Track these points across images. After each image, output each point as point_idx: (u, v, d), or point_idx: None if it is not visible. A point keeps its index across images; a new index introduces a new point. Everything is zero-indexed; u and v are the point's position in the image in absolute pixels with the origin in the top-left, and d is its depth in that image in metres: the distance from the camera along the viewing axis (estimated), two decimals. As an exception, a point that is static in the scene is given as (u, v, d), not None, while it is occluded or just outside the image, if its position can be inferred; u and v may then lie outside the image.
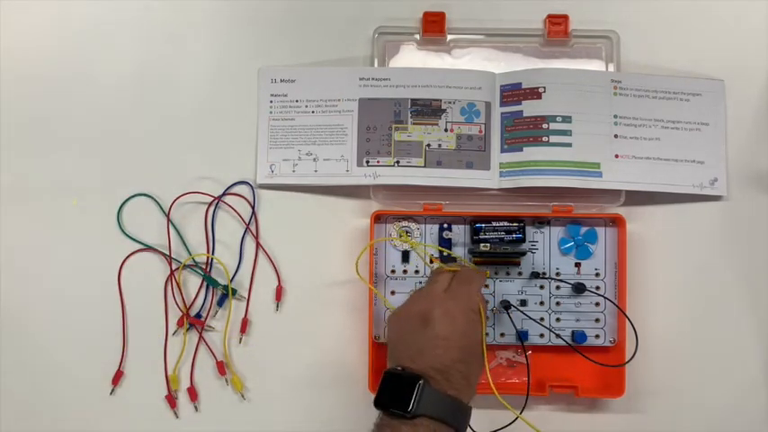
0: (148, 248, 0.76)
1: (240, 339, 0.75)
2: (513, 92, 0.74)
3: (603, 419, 0.74)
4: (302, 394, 0.74)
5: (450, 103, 0.74)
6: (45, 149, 0.77)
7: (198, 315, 0.75)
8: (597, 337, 0.73)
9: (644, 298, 0.74)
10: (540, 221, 0.74)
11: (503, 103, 0.75)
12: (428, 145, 0.74)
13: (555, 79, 0.74)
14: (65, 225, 0.76)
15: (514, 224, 0.72)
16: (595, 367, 0.70)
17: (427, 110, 0.75)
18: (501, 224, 0.72)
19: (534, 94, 0.74)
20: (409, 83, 0.75)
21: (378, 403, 0.59)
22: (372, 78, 0.75)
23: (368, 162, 0.74)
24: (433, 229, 0.74)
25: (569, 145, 0.73)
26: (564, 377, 0.74)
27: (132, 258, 0.76)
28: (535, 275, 0.73)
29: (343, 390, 0.74)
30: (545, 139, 0.73)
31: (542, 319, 0.73)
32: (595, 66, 0.76)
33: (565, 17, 0.75)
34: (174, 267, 0.75)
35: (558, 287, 0.73)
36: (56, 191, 0.76)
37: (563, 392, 0.73)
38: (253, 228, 0.76)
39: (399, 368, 0.60)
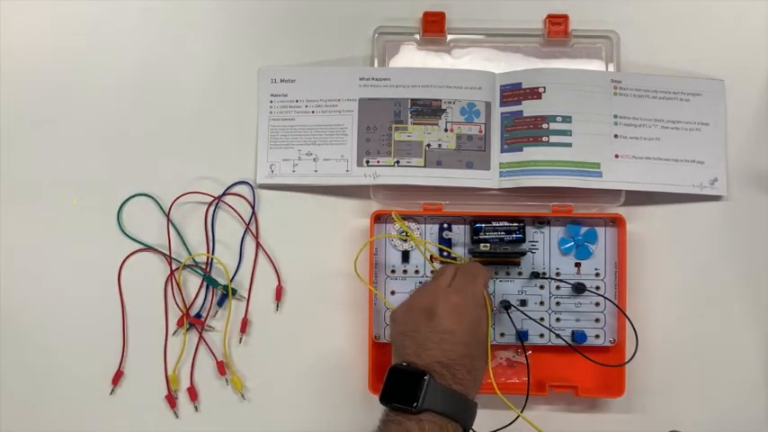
0: (148, 248, 0.76)
1: (240, 339, 0.75)
2: (513, 92, 0.74)
3: (603, 419, 0.74)
4: (302, 394, 0.74)
5: (450, 103, 0.74)
6: (45, 149, 0.77)
7: (198, 315, 0.75)
8: (597, 337, 0.73)
9: (644, 298, 0.74)
10: (540, 221, 0.74)
11: (503, 103, 0.75)
12: (428, 145, 0.74)
13: (555, 79, 0.74)
14: (65, 225, 0.76)
15: (514, 224, 0.72)
16: (595, 367, 0.70)
17: (427, 110, 0.75)
18: (501, 224, 0.72)
19: (534, 94, 0.74)
20: (409, 83, 0.75)
21: (383, 398, 0.59)
22: (372, 78, 0.75)
23: (368, 162, 0.74)
24: (433, 229, 0.74)
25: (569, 145, 0.73)
26: (564, 377, 0.74)
27: (132, 258, 0.76)
28: (535, 275, 0.73)
29: (344, 390, 0.74)
30: (545, 139, 0.73)
31: (542, 319, 0.73)
32: (595, 66, 0.76)
33: (565, 17, 0.75)
34: (174, 267, 0.75)
35: (558, 287, 0.73)
36: (56, 191, 0.76)
37: (563, 392, 0.73)
38: (253, 228, 0.76)
39: (405, 363, 0.60)
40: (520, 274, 0.74)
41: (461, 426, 0.59)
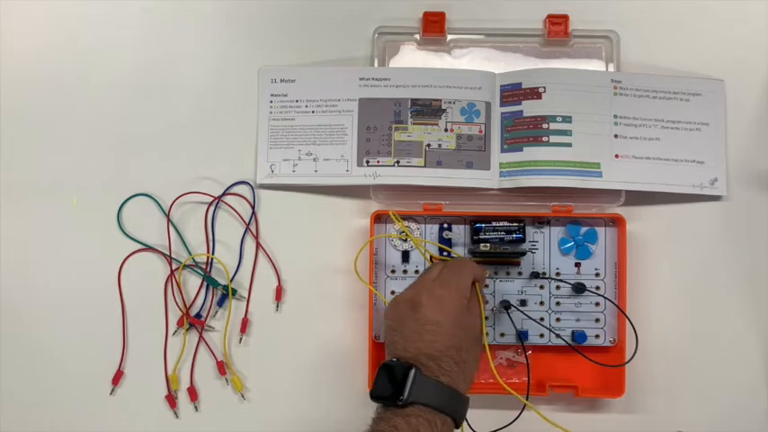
0: (148, 248, 0.76)
1: (240, 339, 0.75)
2: (513, 92, 0.74)
3: (603, 419, 0.74)
4: (302, 394, 0.74)
5: (450, 103, 0.74)
6: (45, 149, 0.77)
7: (198, 315, 0.75)
8: (597, 337, 0.73)
9: (644, 298, 0.74)
10: (540, 221, 0.74)
11: (503, 103, 0.75)
12: (428, 145, 0.74)
13: (555, 79, 0.74)
14: (65, 225, 0.76)
15: (514, 224, 0.72)
16: (595, 367, 0.70)
17: (427, 110, 0.75)
18: (501, 224, 0.72)
19: (534, 94, 0.74)
20: (409, 83, 0.75)
21: (373, 395, 0.60)
22: (372, 78, 0.75)
23: (368, 162, 0.74)
24: (433, 229, 0.74)
25: (569, 145, 0.73)
26: (564, 377, 0.74)
27: (132, 258, 0.76)
28: (535, 275, 0.73)
29: (343, 390, 0.74)
30: (545, 139, 0.73)
31: (542, 319, 0.73)
32: (595, 66, 0.76)
33: (565, 17, 0.75)
34: (174, 267, 0.75)
35: (558, 287, 0.74)
36: (56, 191, 0.76)
37: (563, 392, 0.73)
38: (253, 228, 0.76)
39: (394, 360, 0.60)
40: (520, 274, 0.74)
41: (451, 418, 0.59)
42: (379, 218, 0.74)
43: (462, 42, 0.76)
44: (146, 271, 0.75)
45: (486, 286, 0.73)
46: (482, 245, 0.72)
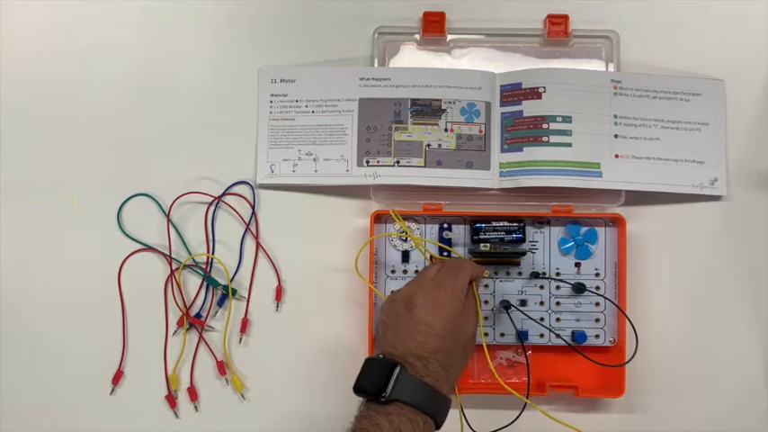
0: (148, 248, 0.76)
1: (240, 339, 0.75)
2: (513, 92, 0.74)
3: (603, 419, 0.74)
4: (302, 394, 0.74)
5: (450, 103, 0.74)
6: (45, 149, 0.77)
7: (198, 315, 0.75)
8: (597, 337, 0.73)
9: (644, 298, 0.74)
10: (540, 221, 0.74)
11: (503, 103, 0.75)
12: (428, 145, 0.74)
13: (555, 79, 0.74)
14: (65, 225, 0.76)
15: (514, 224, 0.72)
16: (595, 367, 0.70)
17: (427, 110, 0.75)
18: (501, 224, 0.72)
19: (534, 94, 0.74)
20: (409, 83, 0.75)
21: (356, 389, 0.60)
22: (372, 78, 0.75)
23: (368, 162, 0.74)
24: (433, 229, 0.74)
25: (569, 145, 0.73)
26: (564, 377, 0.74)
27: (132, 258, 0.76)
28: (535, 275, 0.73)
29: (343, 390, 0.73)
30: (545, 139, 0.73)
31: (542, 319, 0.73)
32: (595, 66, 0.76)
33: (565, 17, 0.75)
34: (174, 267, 0.75)
35: (558, 287, 0.74)
36: (56, 191, 0.76)
37: (563, 392, 0.73)
38: (253, 228, 0.76)
39: (381, 355, 0.61)
40: (520, 274, 0.74)
41: (432, 419, 0.59)
42: (379, 218, 0.74)
43: (462, 42, 0.76)
44: (146, 271, 0.75)
45: (486, 286, 0.73)
46: (482, 245, 0.72)
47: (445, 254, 0.73)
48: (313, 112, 0.75)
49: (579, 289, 0.73)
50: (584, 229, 0.74)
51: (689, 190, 0.74)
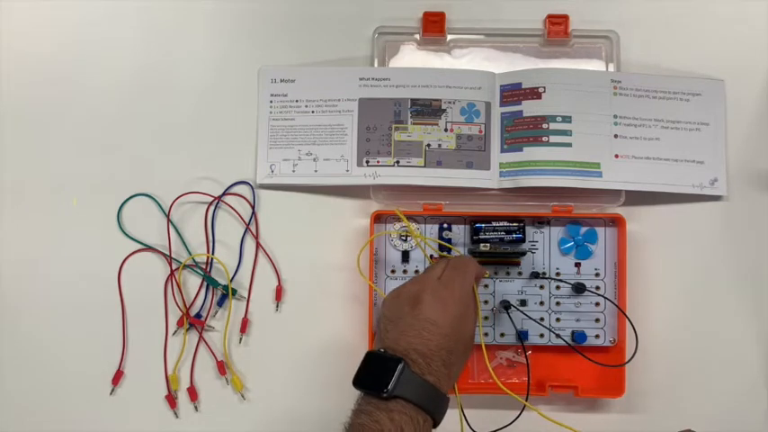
0: (148, 248, 0.76)
1: (240, 339, 0.75)
2: (513, 92, 0.74)
3: (603, 419, 0.74)
4: (302, 394, 0.74)
5: (450, 103, 0.74)
6: (45, 149, 0.77)
7: (198, 315, 0.75)
8: (597, 337, 0.73)
9: (644, 298, 0.74)
10: (540, 221, 0.74)
11: (503, 103, 0.75)
12: (428, 145, 0.74)
13: (555, 79, 0.74)
14: (65, 225, 0.76)
15: (514, 224, 0.72)
16: (595, 367, 0.70)
17: (427, 110, 0.75)
18: (501, 224, 0.72)
19: (534, 94, 0.74)
20: (409, 83, 0.75)
21: (356, 382, 0.59)
22: (372, 78, 0.75)
23: (368, 162, 0.74)
24: (433, 229, 0.74)
25: (569, 145, 0.73)
26: (564, 377, 0.74)
27: (132, 258, 0.76)
28: (535, 275, 0.73)
29: (343, 390, 0.74)
30: (545, 138, 0.73)
31: (542, 319, 0.73)
32: (595, 66, 0.76)
33: (565, 17, 0.76)
34: (174, 267, 0.75)
35: (557, 287, 0.74)
36: (56, 191, 0.76)
37: (563, 392, 0.73)
38: (253, 228, 0.76)
39: (382, 350, 0.60)
40: (520, 274, 0.74)
41: (431, 417, 0.58)
42: (379, 218, 0.74)
43: (462, 42, 0.77)
44: (146, 271, 0.75)
45: (486, 286, 0.73)
46: (482, 245, 0.72)
47: (445, 252, 0.73)
48: (313, 112, 0.75)
49: (579, 289, 0.73)
50: (584, 229, 0.74)
51: (689, 190, 0.74)
